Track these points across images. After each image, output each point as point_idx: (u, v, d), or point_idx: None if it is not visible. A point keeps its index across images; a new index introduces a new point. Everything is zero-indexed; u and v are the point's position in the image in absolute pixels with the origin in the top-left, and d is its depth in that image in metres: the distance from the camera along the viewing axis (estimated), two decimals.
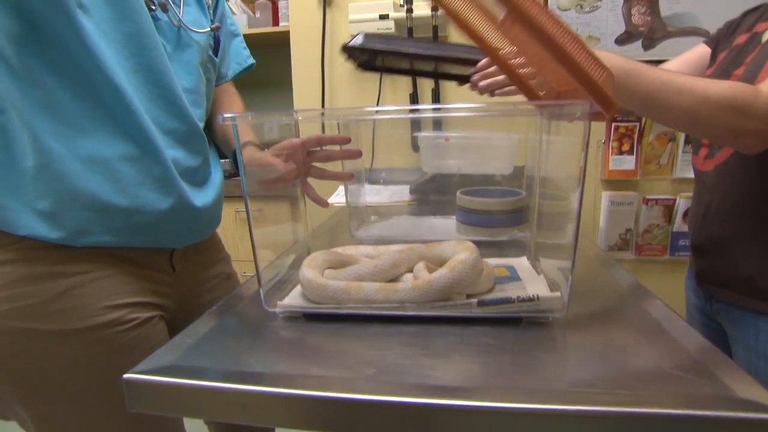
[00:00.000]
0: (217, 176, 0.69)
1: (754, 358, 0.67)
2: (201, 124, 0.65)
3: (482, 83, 0.71)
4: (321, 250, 0.69)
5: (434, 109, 0.49)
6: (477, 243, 0.74)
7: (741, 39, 0.72)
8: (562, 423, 0.34)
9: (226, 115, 0.47)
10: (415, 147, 0.99)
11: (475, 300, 0.48)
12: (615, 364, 0.40)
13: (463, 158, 0.97)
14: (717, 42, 0.78)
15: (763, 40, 0.68)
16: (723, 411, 0.33)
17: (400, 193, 1.00)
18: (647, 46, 1.39)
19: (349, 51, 0.77)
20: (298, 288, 0.55)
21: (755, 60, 0.66)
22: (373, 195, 0.95)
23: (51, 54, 0.51)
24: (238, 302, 0.57)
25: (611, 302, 0.55)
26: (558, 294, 0.47)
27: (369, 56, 0.81)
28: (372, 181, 0.96)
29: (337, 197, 1.21)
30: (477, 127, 0.93)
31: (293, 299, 0.53)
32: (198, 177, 0.65)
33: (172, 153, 0.59)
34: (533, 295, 0.47)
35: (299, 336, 0.48)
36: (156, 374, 0.40)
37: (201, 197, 0.64)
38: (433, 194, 0.99)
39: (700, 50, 0.80)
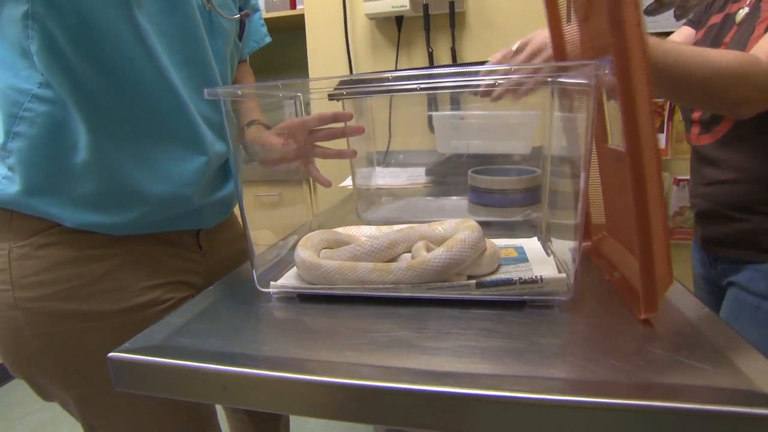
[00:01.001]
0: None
1: (741, 294, 0.70)
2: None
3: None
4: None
5: (450, 73, 0.46)
6: (489, 223, 0.71)
7: (715, 19, 0.73)
8: (557, 414, 0.32)
9: (210, 90, 0.45)
10: (432, 127, 0.95)
11: (473, 281, 0.45)
12: (622, 351, 0.37)
13: (479, 138, 0.93)
14: (698, 22, 0.79)
15: (737, 20, 0.70)
16: (744, 407, 0.30)
17: (416, 176, 0.98)
18: (679, 16, 1.29)
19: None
20: (294, 269, 0.54)
21: (735, 40, 0.67)
22: (389, 177, 0.92)
23: (106, 52, 0.51)
24: (235, 282, 0.56)
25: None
26: (563, 275, 0.44)
27: None
28: (389, 164, 0.94)
29: (348, 180, 1.19)
30: (493, 106, 0.89)
31: (287, 280, 0.51)
32: (227, 165, 0.66)
33: (218, 147, 0.60)
34: (536, 276, 0.44)
35: (291, 317, 0.47)
36: (141, 353, 0.40)
37: (228, 184, 0.66)
38: (448, 175, 0.96)
39: (685, 32, 0.81)
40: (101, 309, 0.56)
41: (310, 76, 1.46)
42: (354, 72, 1.40)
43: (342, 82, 0.56)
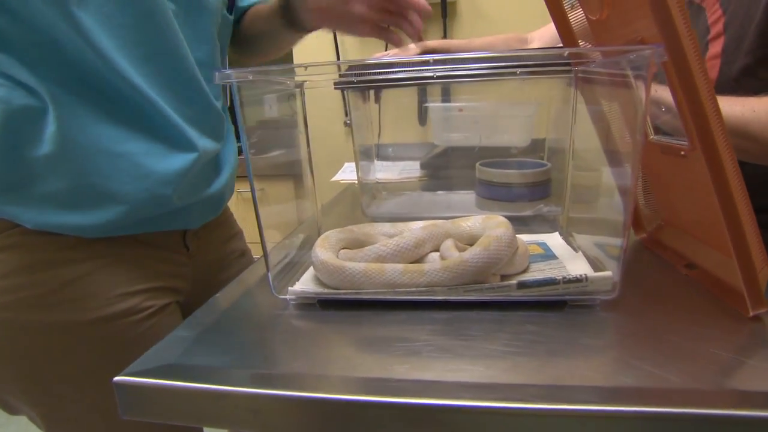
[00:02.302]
0: (231, 153, 0.63)
1: None
2: (218, 103, 0.58)
3: None
4: (333, 228, 0.63)
5: (478, 58, 0.42)
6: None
7: None
8: (636, 425, 0.29)
9: (221, 72, 0.40)
10: (422, 120, 0.92)
11: (514, 281, 0.42)
12: (683, 353, 0.35)
13: (476, 130, 0.91)
14: None
15: None
16: None
17: (410, 169, 0.94)
18: None
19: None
20: (310, 271, 0.49)
21: None
22: (382, 171, 0.89)
23: (50, 53, 0.45)
24: (245, 288, 0.51)
25: (662, 281, 0.49)
26: (609, 273, 0.42)
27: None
28: (380, 158, 0.90)
29: (343, 174, 1.14)
30: (492, 97, 0.86)
31: (306, 284, 0.47)
32: (218, 161, 0.60)
33: (203, 143, 0.53)
34: (581, 275, 0.41)
35: (315, 326, 0.42)
36: (152, 375, 0.35)
37: (219, 181, 0.60)
38: (445, 169, 0.93)
39: None
40: (69, 319, 0.50)
41: (295, 62, 1.40)
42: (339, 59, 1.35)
43: (364, 66, 0.52)
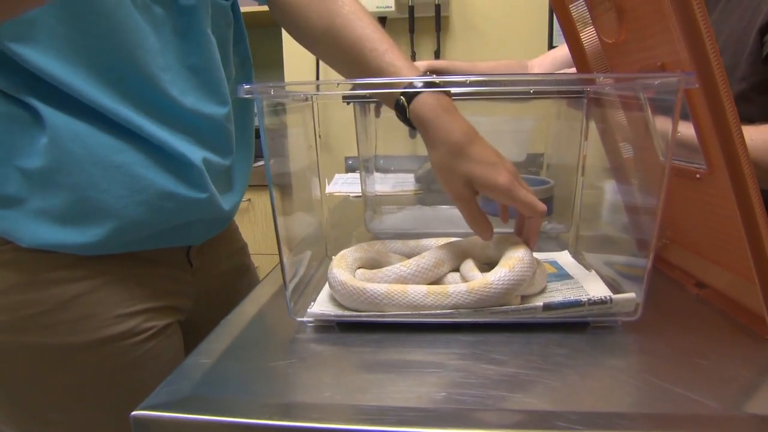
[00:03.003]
0: (244, 167, 0.60)
1: None
2: (222, 109, 0.53)
3: None
4: (340, 245, 0.62)
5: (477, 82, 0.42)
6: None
7: None
8: None
9: (245, 86, 0.39)
10: (412, 133, 0.92)
11: (540, 303, 0.42)
12: (713, 376, 0.35)
13: None
14: None
15: None
16: None
17: (404, 182, 0.94)
18: None
19: None
20: (325, 291, 0.48)
21: None
22: (378, 184, 0.88)
23: (29, 76, 0.42)
24: (257, 308, 0.49)
25: (675, 300, 0.50)
26: (632, 295, 0.42)
27: None
28: (372, 171, 0.89)
29: (335, 186, 1.13)
30: (488, 112, 0.87)
31: (323, 305, 0.45)
32: (229, 176, 0.57)
33: (200, 154, 0.50)
34: (605, 297, 0.42)
35: (337, 351, 0.41)
36: (172, 409, 0.32)
37: (230, 198, 0.57)
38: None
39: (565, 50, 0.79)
40: (64, 342, 0.47)
41: (286, 75, 1.38)
42: (320, 71, 1.34)
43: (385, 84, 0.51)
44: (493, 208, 0.76)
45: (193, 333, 0.56)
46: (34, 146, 0.43)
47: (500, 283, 0.41)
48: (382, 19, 1.25)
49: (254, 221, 1.34)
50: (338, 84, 0.42)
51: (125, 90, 0.45)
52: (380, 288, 0.42)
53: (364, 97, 0.63)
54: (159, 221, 0.49)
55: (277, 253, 0.44)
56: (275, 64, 1.44)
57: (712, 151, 0.38)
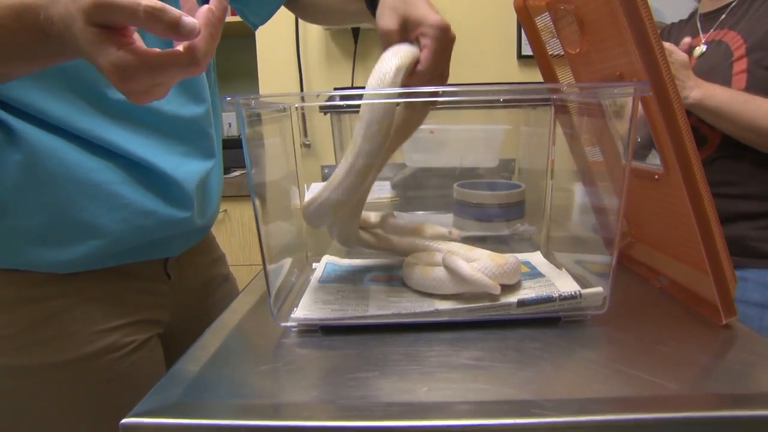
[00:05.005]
0: (217, 176, 0.61)
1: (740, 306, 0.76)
2: (200, 108, 0.53)
3: None
4: (320, 252, 0.63)
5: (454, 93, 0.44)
6: (483, 238, 0.71)
7: None
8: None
9: (228, 99, 0.40)
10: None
11: (514, 300, 0.44)
12: (672, 361, 0.38)
13: (447, 151, 0.94)
14: None
15: (696, 54, 0.85)
16: None
17: (380, 189, 0.95)
18: None
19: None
20: (308, 296, 0.49)
21: (702, 71, 0.80)
22: None
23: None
24: (239, 316, 0.49)
25: (639, 294, 0.53)
26: (600, 289, 0.45)
27: None
28: None
29: (312, 194, 1.13)
30: (462, 119, 0.90)
31: (307, 310, 0.46)
32: (206, 186, 0.56)
33: (183, 168, 0.50)
34: (575, 292, 0.44)
35: (321, 354, 0.42)
36: (163, 415, 0.33)
37: (206, 211, 0.57)
38: (417, 189, 0.95)
39: None
40: (43, 362, 0.46)
41: (260, 85, 1.38)
42: (303, 82, 1.35)
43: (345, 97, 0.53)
44: (471, 215, 0.79)
45: (173, 345, 0.56)
46: (7, 163, 0.43)
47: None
48: (356, 30, 1.27)
49: (231, 232, 1.33)
50: (318, 95, 0.44)
51: (105, 106, 0.46)
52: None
53: (338, 107, 0.64)
54: (139, 237, 0.49)
55: (256, 263, 0.45)
56: (249, 74, 1.45)
57: (667, 153, 0.41)
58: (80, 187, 0.45)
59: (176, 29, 0.29)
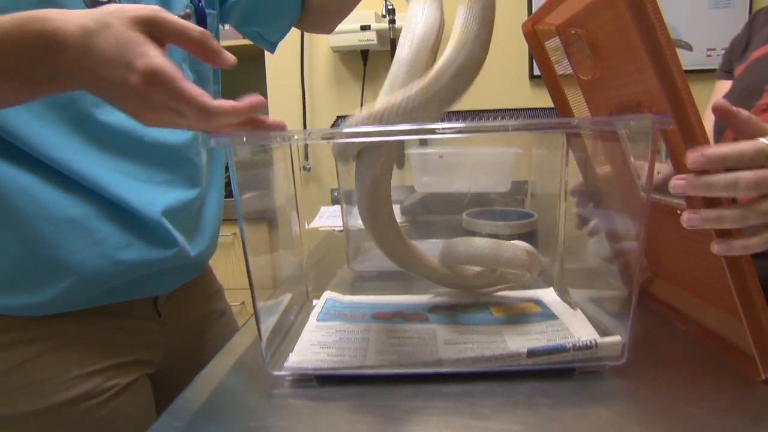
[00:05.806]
0: (214, 208, 0.58)
1: None
2: (185, 135, 0.52)
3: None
4: (322, 287, 0.60)
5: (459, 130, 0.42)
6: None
7: (760, 51, 0.68)
8: None
9: (215, 139, 0.37)
10: (399, 164, 0.92)
11: (524, 350, 0.41)
12: (704, 427, 0.34)
13: (457, 176, 0.91)
14: (731, 67, 0.74)
15: None
16: None
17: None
18: None
19: None
20: (304, 339, 0.46)
21: None
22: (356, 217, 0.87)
23: None
24: (233, 360, 0.47)
25: (661, 338, 0.49)
26: (618, 338, 0.41)
27: None
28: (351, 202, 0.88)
29: (321, 220, 1.11)
30: (471, 143, 0.87)
31: (301, 355, 0.44)
32: (195, 219, 0.54)
33: (161, 202, 0.48)
34: (590, 342, 0.40)
35: (316, 407, 0.39)
36: None
37: (199, 242, 0.54)
38: (427, 215, 0.92)
39: (722, 88, 0.74)
40: (15, 411, 0.44)
41: (270, 107, 1.38)
42: (307, 106, 1.35)
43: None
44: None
45: (167, 385, 0.54)
46: None
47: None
48: (365, 53, 1.27)
49: (240, 255, 1.31)
50: (309, 133, 0.42)
51: (88, 130, 0.44)
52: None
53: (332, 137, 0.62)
54: (121, 274, 0.47)
55: (267, 288, 0.43)
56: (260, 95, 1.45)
57: None
58: (53, 223, 0.43)
59: (219, 56, 0.34)
